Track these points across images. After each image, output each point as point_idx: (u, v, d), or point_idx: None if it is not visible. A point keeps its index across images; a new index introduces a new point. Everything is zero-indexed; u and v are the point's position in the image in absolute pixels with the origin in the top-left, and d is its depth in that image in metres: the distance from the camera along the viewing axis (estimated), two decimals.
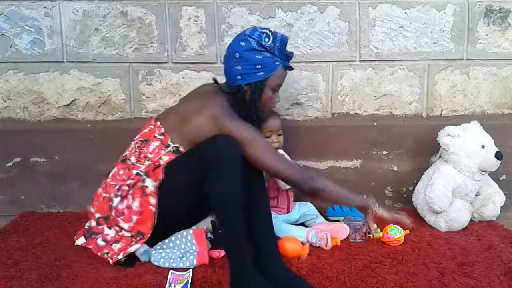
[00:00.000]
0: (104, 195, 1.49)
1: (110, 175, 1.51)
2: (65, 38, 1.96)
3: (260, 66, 1.45)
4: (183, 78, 1.99)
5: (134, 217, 1.41)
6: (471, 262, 1.43)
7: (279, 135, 1.73)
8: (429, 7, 1.97)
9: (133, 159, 1.50)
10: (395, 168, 2.02)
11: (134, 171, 1.46)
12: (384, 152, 2.01)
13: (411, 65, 2.02)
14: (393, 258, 1.46)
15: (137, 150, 1.51)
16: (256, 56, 1.45)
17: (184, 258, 1.41)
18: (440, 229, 1.72)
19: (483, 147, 1.73)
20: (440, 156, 1.84)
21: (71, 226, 1.74)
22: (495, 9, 1.99)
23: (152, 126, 1.52)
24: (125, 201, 1.43)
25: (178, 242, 1.46)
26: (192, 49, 1.97)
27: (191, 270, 1.36)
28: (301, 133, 1.99)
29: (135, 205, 1.41)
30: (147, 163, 1.47)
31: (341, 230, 1.64)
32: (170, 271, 1.36)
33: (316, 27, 1.97)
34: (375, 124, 2.03)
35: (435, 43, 2.00)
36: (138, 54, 1.98)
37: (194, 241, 1.44)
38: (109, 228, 1.47)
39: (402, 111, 2.06)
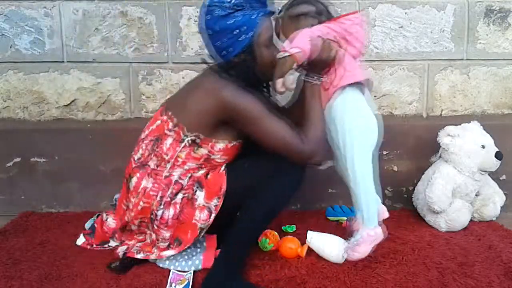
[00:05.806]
0: (142, 204, 1.32)
1: (131, 186, 1.34)
2: (65, 38, 1.96)
3: (238, 31, 1.26)
4: (183, 78, 1.99)
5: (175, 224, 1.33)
6: (471, 262, 1.43)
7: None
8: (429, 7, 1.97)
9: (151, 163, 1.34)
10: (395, 168, 2.01)
11: (173, 178, 1.32)
12: (384, 152, 2.00)
13: (411, 65, 2.02)
14: (393, 258, 1.46)
15: (151, 152, 1.34)
16: (228, 23, 1.25)
17: (190, 262, 1.38)
18: (440, 229, 1.72)
19: (483, 147, 1.72)
20: (440, 156, 1.83)
21: (71, 226, 1.74)
22: (495, 9, 1.99)
23: (159, 121, 1.35)
24: (172, 210, 1.31)
25: None
26: (192, 49, 1.97)
27: (192, 271, 1.35)
28: None
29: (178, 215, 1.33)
30: (168, 166, 1.32)
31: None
32: (172, 270, 1.35)
33: None
34: None
35: (435, 43, 2.00)
36: (138, 54, 1.98)
37: (204, 244, 1.41)
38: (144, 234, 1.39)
39: (402, 111, 2.06)
